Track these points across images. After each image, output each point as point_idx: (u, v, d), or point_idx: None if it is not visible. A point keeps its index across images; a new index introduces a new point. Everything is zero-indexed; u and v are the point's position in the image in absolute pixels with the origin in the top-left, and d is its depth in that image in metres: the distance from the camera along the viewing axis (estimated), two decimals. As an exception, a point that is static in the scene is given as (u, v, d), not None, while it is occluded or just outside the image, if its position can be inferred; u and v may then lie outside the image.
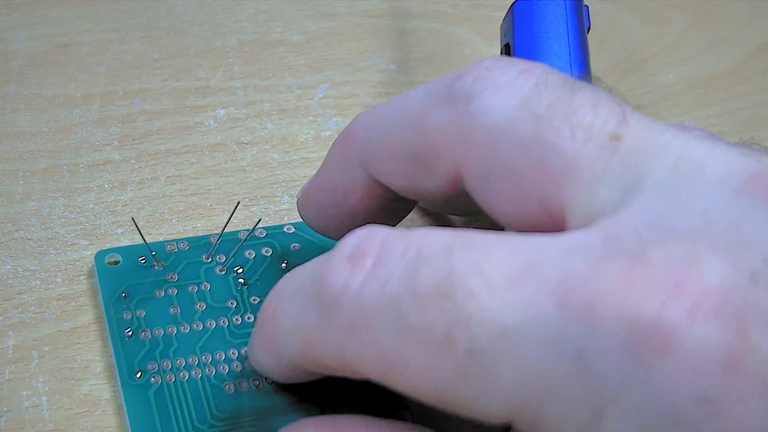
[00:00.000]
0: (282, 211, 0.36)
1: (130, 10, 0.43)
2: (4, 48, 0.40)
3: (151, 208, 0.35)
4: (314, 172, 0.37)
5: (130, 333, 0.31)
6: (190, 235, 0.34)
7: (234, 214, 0.34)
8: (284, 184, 0.37)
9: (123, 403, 0.29)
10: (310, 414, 0.30)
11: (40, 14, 0.42)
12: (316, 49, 0.42)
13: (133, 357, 0.30)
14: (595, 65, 0.44)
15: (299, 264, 0.32)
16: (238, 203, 0.34)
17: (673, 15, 0.47)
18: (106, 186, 0.36)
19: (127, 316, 0.31)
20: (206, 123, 0.38)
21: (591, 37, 0.45)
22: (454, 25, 0.45)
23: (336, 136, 0.39)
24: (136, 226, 0.32)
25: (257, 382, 0.30)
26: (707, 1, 0.48)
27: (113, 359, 0.30)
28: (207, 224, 0.35)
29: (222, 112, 0.39)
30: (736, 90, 0.44)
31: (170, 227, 0.35)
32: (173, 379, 0.30)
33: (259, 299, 0.32)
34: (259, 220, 0.34)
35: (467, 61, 0.43)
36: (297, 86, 0.41)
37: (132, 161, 0.37)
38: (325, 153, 0.38)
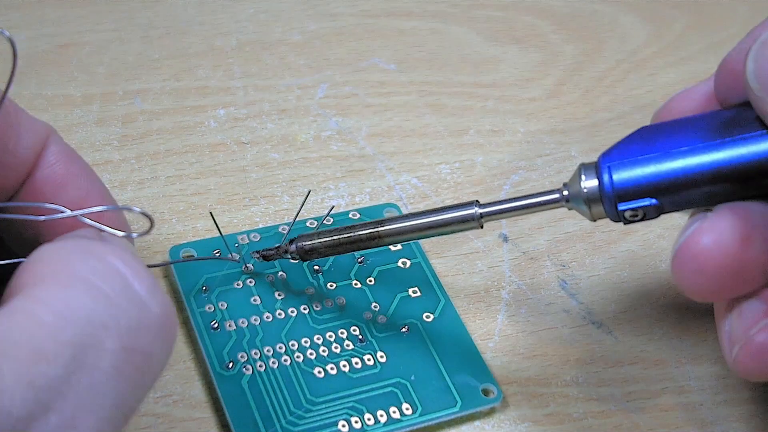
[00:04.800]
0: (282, 211, 0.36)
1: (130, 10, 0.43)
2: (4, 48, 0.40)
3: (151, 208, 0.35)
4: (314, 172, 0.37)
5: (216, 325, 0.31)
6: (191, 235, 0.34)
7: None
8: (284, 184, 0.37)
9: (219, 394, 0.30)
10: (403, 395, 0.30)
11: (40, 14, 0.42)
12: (316, 49, 0.42)
13: (221, 348, 0.31)
14: (595, 65, 0.44)
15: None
16: (309, 192, 0.35)
17: (673, 15, 0.47)
18: (106, 186, 0.36)
19: (209, 308, 0.32)
20: (206, 123, 0.38)
21: (591, 37, 0.45)
22: (454, 25, 0.45)
23: (336, 135, 0.39)
24: (213, 219, 0.33)
25: (345, 366, 0.31)
26: (707, 1, 0.48)
27: (202, 352, 0.31)
28: (207, 224, 0.34)
29: (222, 112, 0.39)
30: (736, 90, 0.44)
31: (170, 227, 0.35)
32: (264, 368, 0.31)
33: (335, 285, 0.33)
34: (332, 207, 0.34)
35: (467, 61, 0.43)
36: (297, 86, 0.41)
37: (132, 161, 0.37)
38: (325, 153, 0.38)
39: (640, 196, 0.27)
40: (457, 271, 0.35)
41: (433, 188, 0.37)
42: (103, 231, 0.25)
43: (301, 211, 0.34)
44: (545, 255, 0.36)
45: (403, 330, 0.32)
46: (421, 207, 0.36)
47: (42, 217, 0.25)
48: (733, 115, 0.27)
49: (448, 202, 0.37)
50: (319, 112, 0.40)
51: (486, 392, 0.31)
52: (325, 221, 0.35)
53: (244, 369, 0.30)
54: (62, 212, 0.25)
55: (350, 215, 0.35)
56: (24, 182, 0.28)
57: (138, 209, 0.24)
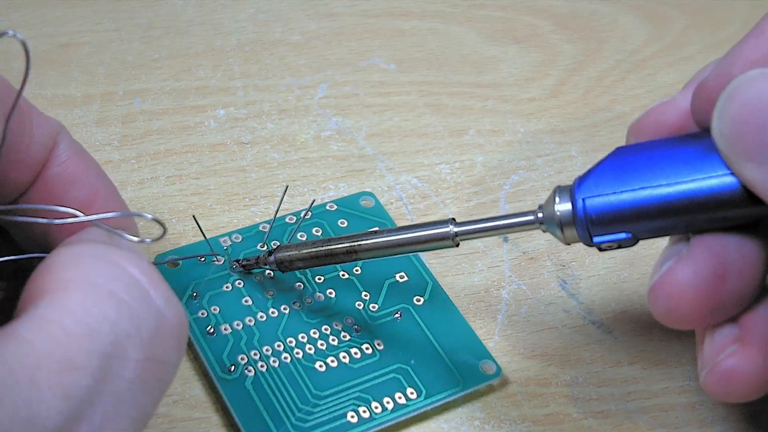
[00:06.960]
0: (281, 211, 0.36)
1: (130, 10, 0.43)
2: (4, 48, 0.40)
3: (151, 208, 0.35)
4: (314, 172, 0.37)
5: (211, 330, 0.31)
6: (191, 235, 0.34)
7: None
8: (284, 184, 0.37)
9: (225, 399, 0.30)
10: (406, 380, 0.31)
11: (40, 14, 0.42)
12: (316, 49, 0.42)
13: (221, 353, 0.31)
14: (595, 65, 0.44)
15: None
16: (287, 187, 0.35)
17: (673, 15, 0.47)
18: (106, 186, 0.36)
19: (202, 314, 0.32)
20: (206, 123, 0.38)
21: (591, 37, 0.45)
22: (454, 25, 0.45)
23: (336, 135, 0.39)
24: (197, 223, 0.33)
25: (345, 357, 0.31)
26: (707, 1, 0.48)
27: (202, 359, 0.31)
28: (207, 224, 0.35)
29: (222, 112, 0.39)
30: (736, 90, 0.44)
31: (170, 227, 0.35)
32: (266, 368, 0.31)
33: (323, 278, 0.33)
34: (313, 201, 0.34)
35: (467, 61, 0.43)
36: (297, 86, 0.41)
37: (132, 161, 0.37)
38: (325, 153, 0.38)
39: (614, 230, 0.27)
40: (457, 270, 0.35)
41: (433, 188, 0.37)
42: (119, 236, 0.25)
43: (292, 207, 0.34)
44: (545, 255, 0.36)
45: (396, 316, 0.32)
46: (422, 207, 0.37)
47: (57, 221, 0.25)
48: (708, 143, 0.26)
49: (448, 202, 0.37)
50: (319, 112, 0.40)
51: (485, 369, 0.31)
52: (305, 216, 0.34)
53: (246, 371, 0.30)
54: (76, 215, 0.25)
55: (327, 207, 0.35)
56: (35, 179, 0.28)
57: (150, 216, 0.25)
